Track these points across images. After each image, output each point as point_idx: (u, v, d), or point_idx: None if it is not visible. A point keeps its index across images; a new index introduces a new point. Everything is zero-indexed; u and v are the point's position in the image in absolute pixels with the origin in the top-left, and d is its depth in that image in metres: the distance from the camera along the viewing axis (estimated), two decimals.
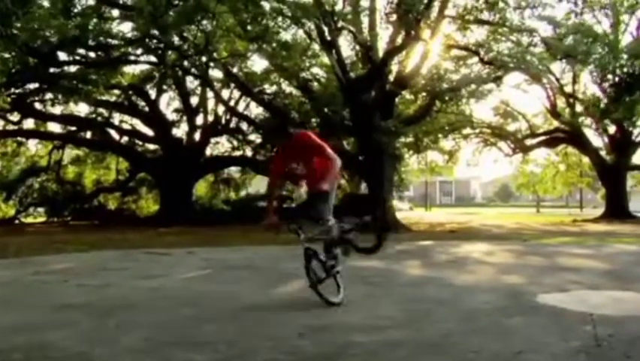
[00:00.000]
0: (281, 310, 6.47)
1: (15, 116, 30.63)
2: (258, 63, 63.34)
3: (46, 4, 19.35)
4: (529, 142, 37.47)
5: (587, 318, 5.86)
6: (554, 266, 10.58)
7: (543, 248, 14.68)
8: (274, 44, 21.45)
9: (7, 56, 11.73)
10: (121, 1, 23.43)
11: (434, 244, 16.16)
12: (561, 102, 34.42)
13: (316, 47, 24.82)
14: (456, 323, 5.80)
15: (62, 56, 23.28)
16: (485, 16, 23.96)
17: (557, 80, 32.40)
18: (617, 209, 32.85)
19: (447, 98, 25.80)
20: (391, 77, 24.29)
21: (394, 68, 24.67)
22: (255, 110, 31.82)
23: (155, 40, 22.12)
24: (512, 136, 37.27)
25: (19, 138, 33.47)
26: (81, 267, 11.09)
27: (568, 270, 9.88)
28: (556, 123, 35.30)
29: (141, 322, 5.96)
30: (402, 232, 22.30)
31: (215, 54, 22.75)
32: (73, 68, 24.30)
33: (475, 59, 25.08)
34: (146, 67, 28.18)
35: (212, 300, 7.16)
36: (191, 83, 30.92)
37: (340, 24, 22.05)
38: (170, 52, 23.77)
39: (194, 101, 32.32)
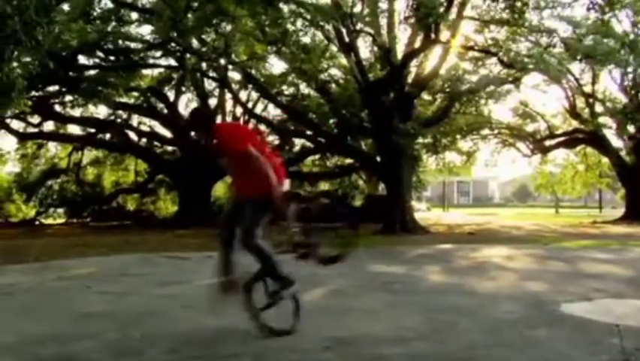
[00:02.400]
0: (303, 320, 6.43)
1: (35, 119, 30.85)
2: (276, 65, 63.54)
3: (65, 7, 19.50)
4: (548, 143, 37.24)
5: (613, 330, 5.81)
6: (577, 272, 10.50)
7: (564, 252, 14.56)
8: (293, 47, 21.44)
9: (27, 59, 11.80)
10: (139, 5, 23.56)
11: (454, 248, 16.08)
12: (580, 102, 34.18)
13: (334, 48, 24.83)
14: (480, 334, 5.76)
15: (82, 59, 23.44)
16: (504, 16, 23.80)
17: (577, 80, 32.18)
18: (637, 210, 32.52)
19: (465, 99, 25.72)
20: (410, 79, 24.22)
21: (413, 69, 24.59)
22: (273, 112, 31.91)
23: (174, 44, 22.16)
24: (531, 137, 37.07)
25: (39, 140, 33.74)
26: (102, 272, 11.12)
27: (591, 277, 9.80)
28: (575, 124, 35.06)
29: (165, 333, 5.97)
30: (420, 234, 22.28)
31: (234, 57, 22.79)
32: (92, 71, 24.43)
33: (494, 59, 24.93)
34: (164, 69, 28.31)
35: (235, 309, 7.13)
36: (209, 84, 30.99)
37: (359, 26, 22.02)
38: (189, 55, 23.83)
39: (212, 102, 32.40)
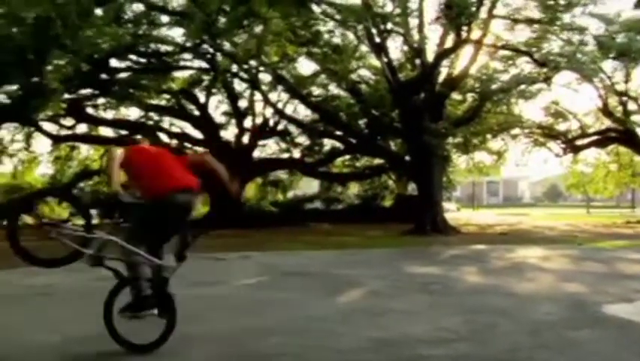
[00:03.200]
0: (343, 321, 6.47)
1: (69, 121, 31.19)
2: (305, 66, 63.63)
3: (98, 11, 19.65)
4: (580, 142, 36.79)
5: None
6: (615, 273, 10.41)
7: (600, 253, 14.43)
8: (325, 48, 21.47)
9: (62, 63, 11.99)
10: (170, 8, 23.68)
11: (488, 249, 15.99)
12: (613, 101, 33.73)
13: (364, 48, 24.80)
14: (521, 336, 5.75)
15: (114, 62, 23.62)
16: (535, 14, 23.60)
17: (609, 78, 31.77)
18: None
19: (497, 98, 25.55)
20: (440, 79, 24.12)
21: (443, 69, 24.49)
22: (303, 112, 31.92)
23: (206, 46, 22.27)
24: (563, 136, 36.65)
25: (72, 142, 34.11)
26: None
27: (630, 278, 9.72)
28: (607, 122, 34.61)
29: (207, 334, 6.02)
30: (452, 235, 22.19)
31: (265, 58, 22.85)
32: (124, 74, 24.66)
33: (524, 58, 24.72)
34: (195, 71, 28.46)
35: (273, 309, 7.20)
36: (239, 85, 31.07)
37: (389, 26, 21.97)
38: (220, 57, 23.94)
39: (242, 103, 32.53)
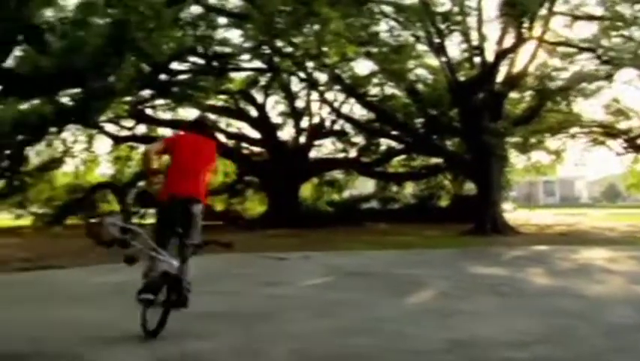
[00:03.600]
0: (415, 322, 6.48)
1: (128, 123, 31.83)
2: (361, 65, 63.16)
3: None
4: None
5: None
6: None
7: None
8: (384, 48, 21.47)
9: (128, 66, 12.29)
10: (228, 10, 23.92)
11: (550, 249, 15.78)
12: None
13: (421, 47, 24.67)
14: (601, 339, 5.68)
15: (174, 64, 23.98)
16: (596, 10, 23.20)
17: None
18: None
19: (559, 98, 25.17)
20: (499, 77, 23.88)
21: (502, 67, 24.23)
22: (359, 112, 31.92)
23: (265, 47, 22.45)
24: (624, 134, 35.87)
25: (132, 143, 34.78)
26: (205, 272, 11.34)
27: None
28: None
29: (282, 333, 6.08)
30: (511, 235, 21.96)
31: (324, 59, 22.93)
32: (184, 76, 25.02)
33: (584, 55, 24.29)
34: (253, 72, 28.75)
35: (344, 310, 7.24)
36: (296, 85, 31.24)
37: (449, 25, 21.85)
38: (279, 58, 24.13)
39: (299, 103, 32.73)
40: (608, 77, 24.86)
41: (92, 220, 5.85)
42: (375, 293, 8.49)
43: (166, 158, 6.69)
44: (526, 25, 19.70)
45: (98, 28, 9.76)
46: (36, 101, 19.29)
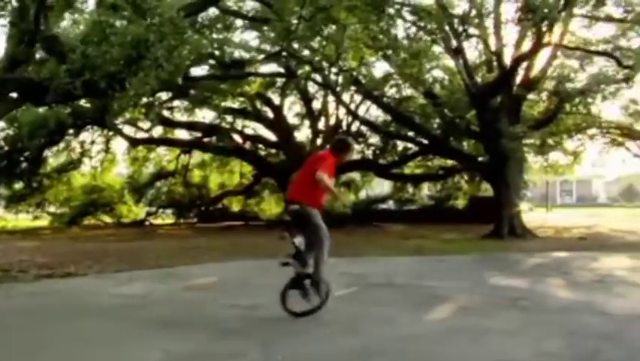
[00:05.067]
0: (442, 341, 6.45)
1: (145, 124, 32.00)
2: (378, 67, 63.20)
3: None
4: None
5: None
6: None
7: None
8: (403, 52, 21.45)
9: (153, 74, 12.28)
10: (244, 12, 23.93)
11: (570, 257, 15.65)
12: None
13: (437, 49, 24.58)
14: None
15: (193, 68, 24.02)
16: (615, 11, 22.99)
17: None
18: None
19: (577, 100, 25.00)
20: (518, 80, 23.77)
21: (520, 70, 24.10)
22: (375, 113, 31.91)
23: (286, 53, 22.45)
24: None
25: (149, 145, 34.99)
26: (225, 281, 11.42)
27: None
28: None
29: (308, 354, 6.06)
30: (529, 239, 21.89)
31: (343, 64, 22.95)
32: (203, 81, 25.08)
33: (603, 56, 24.10)
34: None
35: (369, 326, 7.21)
36: (312, 87, 31.27)
37: (467, 29, 21.79)
38: (296, 63, 24.14)
39: (315, 105, 32.78)
40: (627, 79, 24.64)
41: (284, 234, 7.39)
42: (398, 307, 8.43)
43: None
44: (544, 29, 19.54)
45: (115, 48, 9.77)
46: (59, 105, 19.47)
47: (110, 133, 31.64)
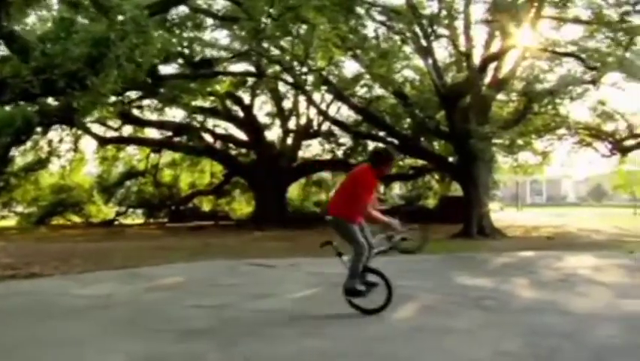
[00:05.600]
0: (406, 342, 6.44)
1: (115, 123, 31.71)
2: (349, 67, 63.24)
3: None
4: (628, 143, 36.06)
5: None
6: None
7: None
8: (372, 52, 21.47)
9: (116, 73, 12.14)
10: (215, 11, 23.79)
11: (536, 256, 15.78)
12: None
13: (407, 49, 24.63)
14: None
15: (162, 67, 23.80)
16: (582, 13, 23.19)
17: None
18: None
19: (546, 101, 25.20)
20: (486, 80, 23.92)
21: (489, 70, 24.25)
22: (346, 113, 31.93)
23: (255, 52, 22.34)
24: (610, 136, 35.98)
25: (119, 144, 34.70)
26: (191, 282, 11.34)
27: None
28: None
29: (269, 355, 6.04)
30: (498, 238, 22.05)
31: (312, 63, 22.90)
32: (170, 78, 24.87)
33: (571, 57, 24.30)
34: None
35: (335, 327, 7.19)
36: (283, 86, 31.21)
37: (437, 29, 21.88)
38: (266, 61, 24.07)
39: (286, 104, 32.72)
40: (594, 80, 24.89)
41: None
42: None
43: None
44: (513, 30, 19.67)
45: (77, 46, 9.63)
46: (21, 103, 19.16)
47: (79, 132, 31.27)
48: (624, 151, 36.58)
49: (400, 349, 6.21)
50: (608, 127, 35.94)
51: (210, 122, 33.47)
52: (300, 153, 34.22)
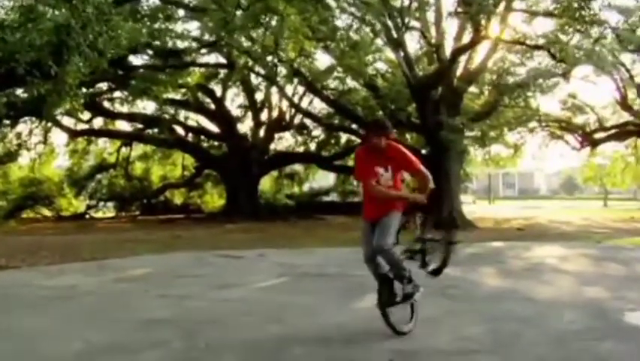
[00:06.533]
0: (365, 330, 6.42)
1: (85, 115, 31.37)
2: (321, 59, 63.11)
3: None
4: (598, 135, 36.45)
5: None
6: (636, 276, 10.33)
7: (620, 252, 14.34)
8: (342, 44, 21.44)
9: (81, 63, 11.97)
10: (186, 2, 23.62)
11: (505, 246, 15.94)
12: (632, 94, 33.32)
13: (379, 42, 24.65)
14: (546, 347, 5.68)
15: (132, 57, 23.57)
16: (552, 7, 23.29)
17: (628, 71, 31.35)
18: None
19: (516, 94, 25.36)
20: (458, 73, 24.01)
21: (461, 63, 24.35)
22: (319, 106, 31.90)
23: (224, 43, 22.20)
24: (580, 129, 36.33)
25: (89, 136, 34.37)
26: (158, 273, 11.28)
27: None
28: (626, 116, 34.22)
29: (230, 342, 5.98)
30: (469, 230, 22.13)
31: (282, 54, 22.80)
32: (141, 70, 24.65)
33: (542, 51, 24.45)
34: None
35: (295, 316, 7.17)
36: (256, 78, 31.09)
37: (408, 21, 21.89)
38: (237, 53, 23.93)
39: (258, 96, 32.60)
40: (565, 73, 25.09)
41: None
42: (327, 296, 8.42)
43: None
44: (483, 22, 19.74)
45: (38, 33, 9.45)
46: None
47: (49, 124, 30.87)
48: (594, 144, 37.02)
49: (359, 336, 6.20)
50: (579, 120, 36.35)
51: (182, 115, 33.24)
52: (273, 146, 34.18)
